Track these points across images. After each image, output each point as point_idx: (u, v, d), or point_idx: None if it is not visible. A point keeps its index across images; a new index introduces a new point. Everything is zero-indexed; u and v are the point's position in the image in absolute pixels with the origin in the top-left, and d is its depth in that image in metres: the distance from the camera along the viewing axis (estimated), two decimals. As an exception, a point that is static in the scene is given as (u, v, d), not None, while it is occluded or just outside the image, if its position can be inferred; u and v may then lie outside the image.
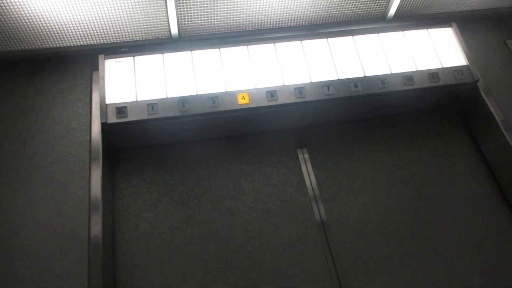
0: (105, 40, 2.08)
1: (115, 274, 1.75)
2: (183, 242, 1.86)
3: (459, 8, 2.35)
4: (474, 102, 2.21)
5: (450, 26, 2.29)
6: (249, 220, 1.94)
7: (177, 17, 2.03)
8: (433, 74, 2.11)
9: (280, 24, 2.23)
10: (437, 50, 2.20)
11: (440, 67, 2.14)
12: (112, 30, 2.03)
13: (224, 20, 2.12)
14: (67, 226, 1.65)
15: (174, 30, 2.09)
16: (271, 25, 2.22)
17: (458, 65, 2.16)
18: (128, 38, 2.10)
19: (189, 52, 2.10)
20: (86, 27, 1.97)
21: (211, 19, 2.10)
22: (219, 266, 1.82)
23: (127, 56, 2.04)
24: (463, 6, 2.34)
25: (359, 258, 1.89)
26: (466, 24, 2.36)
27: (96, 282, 1.54)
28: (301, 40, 2.18)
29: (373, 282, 1.84)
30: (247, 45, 2.14)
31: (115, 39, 2.09)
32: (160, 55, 2.07)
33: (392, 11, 2.26)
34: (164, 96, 1.95)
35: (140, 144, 2.06)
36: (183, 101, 1.95)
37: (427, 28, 2.27)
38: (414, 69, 2.12)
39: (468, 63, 2.17)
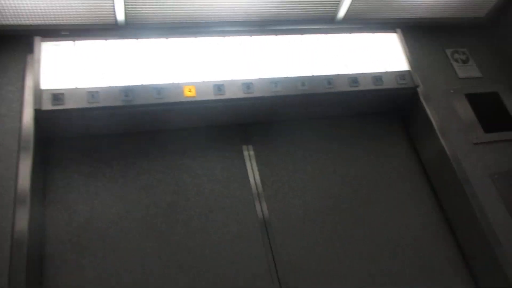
0: (43, 21, 1.94)
1: (42, 271, 1.64)
2: (119, 237, 1.78)
3: (404, 16, 2.43)
4: (413, 107, 2.30)
5: (395, 32, 2.38)
6: (191, 215, 1.90)
7: (124, 2, 1.94)
8: (377, 78, 2.17)
9: (230, 18, 2.19)
10: (382, 55, 2.27)
11: (384, 71, 2.21)
12: (51, 11, 1.89)
13: (173, 10, 2.05)
14: (-12, 219, 1.52)
15: (120, 16, 2.00)
16: (221, 18, 2.18)
17: (401, 70, 2.24)
18: (69, 21, 1.97)
19: (135, 40, 2.02)
20: (22, 5, 1.83)
21: (160, 8, 2.02)
22: (157, 262, 1.77)
23: (67, 40, 1.93)
24: (407, 14, 2.43)
25: (299, 255, 1.91)
26: (410, 31, 2.45)
27: (19, 281, 1.43)
28: (251, 35, 2.17)
29: (312, 279, 1.86)
30: (196, 37, 2.10)
31: (54, 21, 1.95)
32: (104, 41, 1.98)
33: (342, 13, 2.29)
34: (106, 85, 1.86)
35: (78, 133, 1.95)
36: (126, 91, 1.87)
37: (373, 32, 2.34)
38: (359, 72, 2.17)
39: (410, 69, 2.25)
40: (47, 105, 1.76)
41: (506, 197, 1.95)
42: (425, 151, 2.27)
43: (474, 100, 2.24)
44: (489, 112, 2.22)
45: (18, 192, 1.57)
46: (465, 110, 2.21)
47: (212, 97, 1.94)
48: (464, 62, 2.41)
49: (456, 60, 2.41)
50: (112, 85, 1.87)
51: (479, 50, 2.50)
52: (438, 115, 2.19)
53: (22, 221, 1.53)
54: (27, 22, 1.92)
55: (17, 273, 1.44)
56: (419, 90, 2.25)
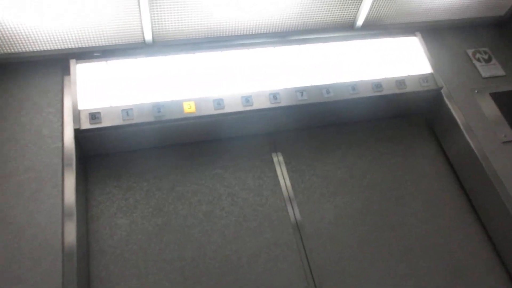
0: (76, 45, 2.04)
1: (89, 283, 1.72)
2: (159, 248, 1.85)
3: (422, 19, 2.47)
4: (438, 108, 2.32)
5: (415, 35, 2.41)
6: (226, 224, 1.95)
7: (151, 22, 2.03)
8: (400, 81, 2.20)
9: (253, 31, 2.26)
10: (404, 58, 2.31)
11: (407, 74, 2.24)
12: (83, 34, 1.99)
13: (197, 26, 2.13)
14: (39, 235, 1.60)
15: (148, 35, 2.08)
16: (244, 31, 2.25)
17: (423, 73, 2.27)
18: (100, 43, 2.07)
19: (163, 56, 2.10)
20: (56, 31, 1.93)
21: (185, 25, 2.10)
22: (196, 271, 1.82)
23: (100, 61, 2.02)
24: (426, 17, 2.46)
25: (333, 259, 1.94)
26: (430, 33, 2.48)
27: (71, 292, 1.51)
28: (274, 46, 2.23)
29: (346, 283, 1.89)
30: (222, 51, 2.17)
31: (86, 44, 2.05)
32: (134, 59, 2.06)
33: (361, 20, 2.34)
34: (139, 102, 1.94)
35: (114, 150, 2.03)
36: (158, 107, 1.94)
37: (393, 37, 2.38)
38: (383, 77, 2.21)
39: (432, 71, 2.28)
40: (85, 124, 1.85)
41: (538, 194, 1.96)
42: (452, 149, 2.29)
43: (500, 98, 2.25)
44: (516, 110, 2.24)
45: (65, 208, 1.66)
46: (491, 110, 2.22)
47: (241, 109, 2.01)
48: (487, 61, 2.42)
49: (478, 60, 2.42)
50: (144, 102, 1.94)
51: (501, 49, 2.51)
52: (464, 116, 2.21)
53: (71, 235, 1.61)
54: (63, 47, 2.02)
55: (69, 285, 1.51)
56: (443, 91, 2.27)
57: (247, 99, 2.03)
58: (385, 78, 2.21)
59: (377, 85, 2.18)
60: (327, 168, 2.19)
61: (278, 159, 2.18)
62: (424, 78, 2.25)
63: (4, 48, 1.93)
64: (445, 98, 2.26)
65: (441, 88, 2.26)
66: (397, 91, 2.19)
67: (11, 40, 1.90)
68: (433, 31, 2.51)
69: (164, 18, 2.04)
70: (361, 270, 1.94)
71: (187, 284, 1.79)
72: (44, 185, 1.70)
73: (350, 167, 2.22)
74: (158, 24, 2.05)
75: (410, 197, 2.18)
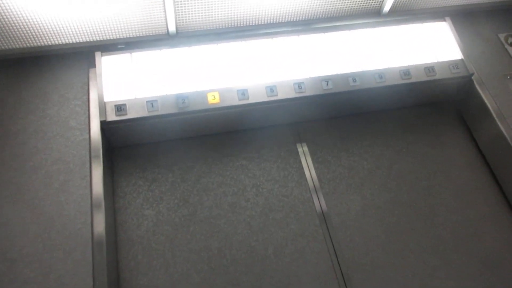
0: (101, 37, 2.05)
1: (119, 273, 1.74)
2: (186, 239, 1.86)
3: (452, 3, 2.38)
4: (468, 95, 2.25)
5: (444, 20, 2.33)
6: (251, 215, 1.94)
7: (175, 13, 2.01)
8: (429, 68, 2.14)
9: (276, 19, 2.23)
10: (433, 44, 2.23)
11: (436, 61, 2.17)
12: (108, 26, 2.00)
13: (221, 16, 2.11)
14: (69, 226, 1.63)
15: (172, 26, 2.08)
16: (268, 20, 2.22)
17: (453, 59, 2.19)
18: (124, 35, 2.08)
19: (187, 47, 2.08)
20: (81, 24, 1.94)
21: (208, 15, 2.08)
22: (222, 261, 1.83)
23: (124, 53, 2.02)
24: (456, 1, 2.37)
25: (360, 250, 1.91)
26: (460, 18, 2.40)
27: (102, 281, 1.53)
28: (298, 35, 2.19)
29: (374, 274, 1.87)
30: (245, 40, 2.14)
31: (111, 36, 2.06)
32: (158, 51, 2.06)
33: (388, 6, 2.27)
34: (163, 93, 1.94)
35: (139, 141, 2.04)
36: (183, 98, 1.94)
37: (422, 23, 2.30)
38: (411, 64, 2.15)
39: (462, 57, 2.20)
40: (111, 116, 1.86)
41: None
42: (483, 138, 2.22)
43: (535, 84, 2.17)
44: (552, 96, 2.14)
45: (93, 199, 1.68)
46: (525, 96, 2.14)
47: (265, 99, 1.98)
48: (520, 46, 2.33)
49: (511, 45, 2.33)
50: (168, 93, 1.94)
51: (535, 32, 2.41)
52: (496, 103, 2.13)
53: (100, 226, 1.63)
54: (87, 39, 2.03)
55: (100, 275, 1.54)
56: (474, 78, 2.19)
57: (271, 89, 2.00)
58: (414, 65, 2.14)
59: (405, 72, 2.12)
60: (353, 159, 2.15)
61: (303, 150, 2.15)
62: (454, 64, 2.18)
63: (30, 42, 1.96)
64: (476, 84, 2.18)
65: (472, 74, 2.18)
66: (426, 78, 2.12)
67: (36, 33, 1.92)
68: (464, 16, 2.42)
69: (188, 9, 2.02)
70: (390, 261, 1.90)
71: (214, 274, 1.79)
72: (72, 176, 1.73)
73: (377, 157, 2.17)
74: (181, 15, 2.04)
75: (440, 187, 2.12)
